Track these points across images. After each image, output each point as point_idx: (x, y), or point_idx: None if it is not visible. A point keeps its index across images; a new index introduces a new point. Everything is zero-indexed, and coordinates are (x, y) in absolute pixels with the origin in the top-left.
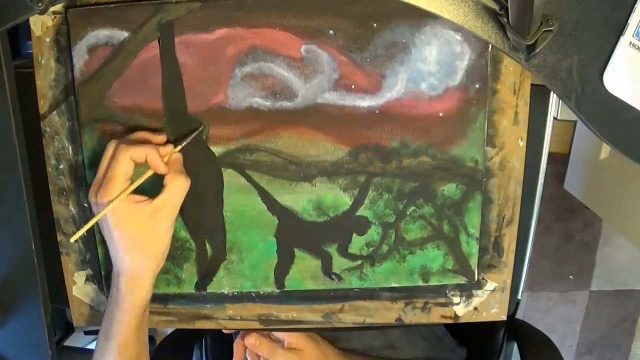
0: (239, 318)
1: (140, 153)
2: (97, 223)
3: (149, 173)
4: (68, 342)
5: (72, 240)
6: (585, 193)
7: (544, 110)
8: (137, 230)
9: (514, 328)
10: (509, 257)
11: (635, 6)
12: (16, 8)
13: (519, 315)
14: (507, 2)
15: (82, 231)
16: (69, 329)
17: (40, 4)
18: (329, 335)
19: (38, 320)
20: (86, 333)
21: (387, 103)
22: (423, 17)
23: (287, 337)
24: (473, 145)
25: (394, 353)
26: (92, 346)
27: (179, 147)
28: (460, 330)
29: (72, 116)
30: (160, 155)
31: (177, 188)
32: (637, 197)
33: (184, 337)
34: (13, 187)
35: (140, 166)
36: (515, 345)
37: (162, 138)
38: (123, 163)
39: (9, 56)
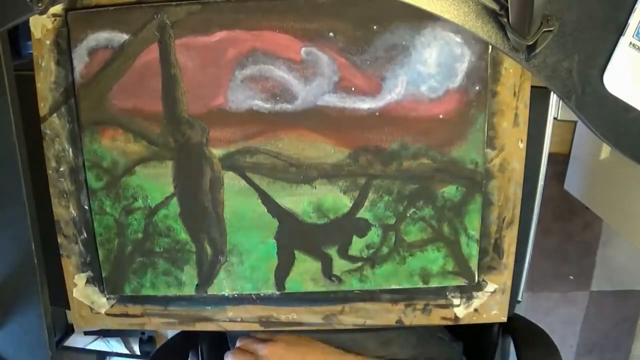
0: (239, 320)
1: None
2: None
3: None
4: (68, 343)
5: None
6: (585, 193)
7: (544, 112)
8: None
9: (509, 321)
10: (509, 259)
11: (635, 6)
12: (16, 8)
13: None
14: (507, 2)
15: None
16: (68, 330)
17: (40, 4)
18: (320, 336)
19: (38, 321)
20: (86, 333)
21: (387, 105)
22: (423, 19)
23: (265, 349)
24: (473, 147)
25: (386, 351)
26: (92, 347)
27: None
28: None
29: (73, 119)
30: None
31: None
32: (637, 197)
33: (179, 343)
34: (13, 189)
35: None
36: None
37: None
38: None
39: (9, 56)
